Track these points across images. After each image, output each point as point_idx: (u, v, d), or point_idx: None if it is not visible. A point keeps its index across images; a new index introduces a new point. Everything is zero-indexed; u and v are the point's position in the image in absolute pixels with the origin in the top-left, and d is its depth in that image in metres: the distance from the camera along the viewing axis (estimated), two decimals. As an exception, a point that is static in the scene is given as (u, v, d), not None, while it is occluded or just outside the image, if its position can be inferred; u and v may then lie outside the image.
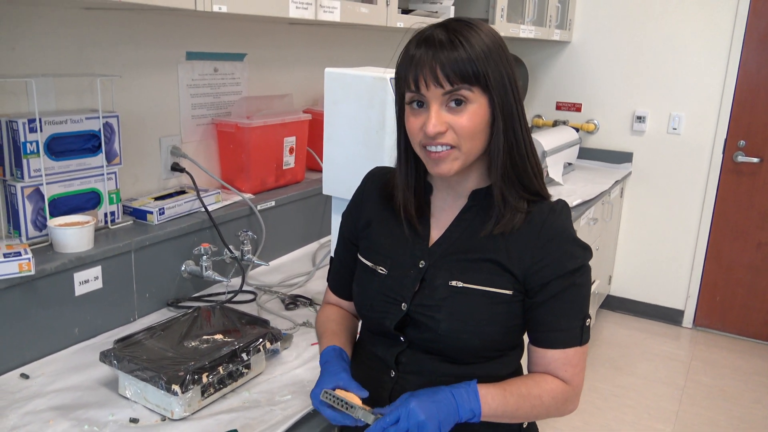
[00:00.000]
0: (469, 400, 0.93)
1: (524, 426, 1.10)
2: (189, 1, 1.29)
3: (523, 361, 1.11)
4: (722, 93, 3.44)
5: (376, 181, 1.16)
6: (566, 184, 3.16)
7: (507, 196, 1.00)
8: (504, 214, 1.00)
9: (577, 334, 1.01)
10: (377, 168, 1.20)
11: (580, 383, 1.03)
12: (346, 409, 0.95)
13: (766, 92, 3.37)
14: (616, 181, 3.41)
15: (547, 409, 1.00)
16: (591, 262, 1.04)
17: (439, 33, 0.95)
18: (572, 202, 2.74)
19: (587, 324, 1.02)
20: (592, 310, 3.54)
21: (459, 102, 0.94)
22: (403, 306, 1.03)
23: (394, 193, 1.09)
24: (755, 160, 3.44)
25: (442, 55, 0.92)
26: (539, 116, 3.94)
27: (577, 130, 3.71)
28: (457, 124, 0.94)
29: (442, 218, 1.07)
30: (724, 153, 3.50)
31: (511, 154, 0.99)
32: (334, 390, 0.97)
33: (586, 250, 1.02)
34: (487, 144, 0.99)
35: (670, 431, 2.77)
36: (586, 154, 3.79)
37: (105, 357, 1.22)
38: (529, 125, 3.92)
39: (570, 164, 3.50)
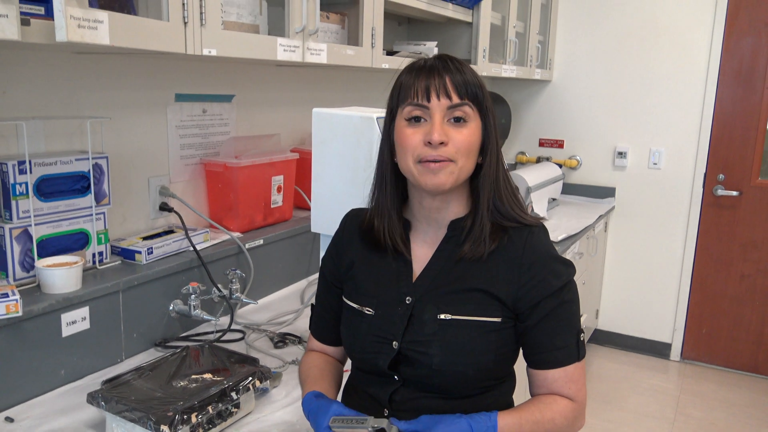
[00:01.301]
0: None
1: None
2: (179, 45, 1.32)
3: (515, 395, 1.12)
4: (700, 128, 3.53)
5: (355, 221, 1.17)
6: (551, 220, 3.19)
7: (484, 224, 1.03)
8: (480, 241, 1.02)
9: (573, 350, 1.03)
10: (354, 210, 1.21)
11: (584, 398, 1.05)
12: (359, 424, 0.95)
13: (741, 127, 3.46)
14: (600, 216, 3.45)
15: (560, 430, 1.02)
16: (580, 296, 1.06)
17: (437, 61, 1.01)
18: (557, 237, 2.77)
19: (581, 339, 1.04)
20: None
21: (458, 119, 0.99)
22: (395, 344, 1.03)
23: (374, 225, 1.10)
24: (734, 193, 3.51)
25: (449, 73, 0.99)
26: (523, 153, 4.01)
27: (560, 166, 3.77)
28: (456, 138, 0.99)
29: (423, 251, 1.08)
30: (704, 187, 3.57)
31: (497, 179, 1.03)
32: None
33: (569, 267, 1.05)
34: (473, 168, 1.03)
35: (662, 466, 2.76)
36: (569, 189, 3.86)
37: (92, 398, 1.21)
38: (513, 162, 3.99)
39: (554, 200, 3.55)
